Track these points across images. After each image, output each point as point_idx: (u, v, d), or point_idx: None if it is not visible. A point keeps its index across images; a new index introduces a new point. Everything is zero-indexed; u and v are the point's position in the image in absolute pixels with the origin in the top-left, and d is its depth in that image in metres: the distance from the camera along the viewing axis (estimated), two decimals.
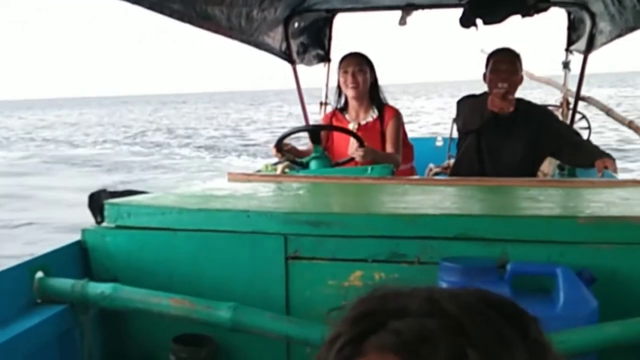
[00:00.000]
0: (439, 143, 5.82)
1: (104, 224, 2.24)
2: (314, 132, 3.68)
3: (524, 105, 3.72)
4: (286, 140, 3.61)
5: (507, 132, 3.66)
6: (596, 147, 3.68)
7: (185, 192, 2.76)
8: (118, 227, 2.21)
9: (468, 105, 3.85)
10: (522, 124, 3.65)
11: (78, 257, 2.20)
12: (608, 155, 3.47)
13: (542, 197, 2.50)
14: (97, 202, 2.27)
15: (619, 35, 3.75)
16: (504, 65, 3.61)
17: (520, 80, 3.67)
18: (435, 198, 2.60)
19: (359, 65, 3.76)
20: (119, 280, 2.11)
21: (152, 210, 2.18)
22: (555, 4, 4.20)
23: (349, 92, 3.80)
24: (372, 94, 3.85)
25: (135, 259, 2.18)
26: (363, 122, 3.83)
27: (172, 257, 2.15)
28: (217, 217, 2.13)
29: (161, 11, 2.71)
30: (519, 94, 3.71)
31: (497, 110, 3.56)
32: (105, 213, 2.22)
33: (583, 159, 3.64)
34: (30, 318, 1.93)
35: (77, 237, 2.24)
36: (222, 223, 2.12)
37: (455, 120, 3.96)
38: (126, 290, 2.01)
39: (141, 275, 2.14)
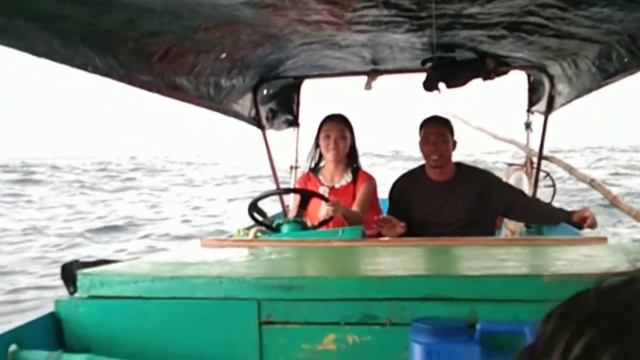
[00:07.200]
0: None
1: (77, 295, 2.24)
2: (304, 196, 3.72)
3: (464, 170, 3.86)
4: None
5: (445, 197, 3.77)
6: (549, 204, 3.79)
7: (158, 260, 2.77)
8: (91, 297, 2.21)
9: (405, 177, 3.98)
10: (460, 188, 3.77)
11: (51, 329, 2.19)
12: (566, 212, 3.55)
13: (508, 256, 2.56)
14: (69, 272, 2.27)
15: (577, 97, 3.89)
16: (432, 136, 3.73)
17: (453, 146, 3.80)
18: (404, 259, 2.64)
19: (341, 131, 3.85)
20: (93, 350, 2.10)
21: (124, 279, 2.19)
22: (514, 67, 4.35)
23: (329, 156, 3.87)
24: (349, 158, 3.93)
25: (108, 328, 2.17)
26: (337, 185, 3.89)
27: (145, 325, 2.15)
28: (190, 285, 2.14)
29: (131, 82, 2.78)
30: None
31: (434, 178, 3.78)
32: (78, 283, 2.22)
33: (536, 217, 3.74)
34: None
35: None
36: (195, 290, 2.13)
37: (390, 193, 3.99)
38: None
39: (114, 345, 2.13)
